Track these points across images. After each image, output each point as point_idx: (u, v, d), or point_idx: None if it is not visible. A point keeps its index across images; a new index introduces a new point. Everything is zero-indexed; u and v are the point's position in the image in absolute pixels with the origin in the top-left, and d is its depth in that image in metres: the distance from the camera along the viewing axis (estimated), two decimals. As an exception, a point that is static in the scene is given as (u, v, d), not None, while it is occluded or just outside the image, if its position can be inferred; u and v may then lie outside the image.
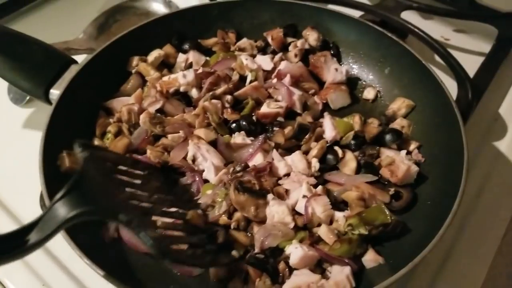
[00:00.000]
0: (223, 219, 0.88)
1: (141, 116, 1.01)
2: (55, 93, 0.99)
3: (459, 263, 0.99)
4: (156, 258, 0.76)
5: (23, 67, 1.00)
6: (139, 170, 0.88)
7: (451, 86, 1.07)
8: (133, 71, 1.14)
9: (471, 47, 1.46)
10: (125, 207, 0.75)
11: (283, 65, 1.12)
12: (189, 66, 1.14)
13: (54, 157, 0.91)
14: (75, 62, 1.05)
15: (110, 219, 0.74)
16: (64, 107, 0.97)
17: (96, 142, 1.01)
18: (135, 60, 1.15)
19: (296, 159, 0.96)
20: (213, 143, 0.99)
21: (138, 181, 0.85)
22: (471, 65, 1.30)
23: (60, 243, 0.97)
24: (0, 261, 0.60)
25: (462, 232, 1.04)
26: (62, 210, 0.64)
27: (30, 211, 1.02)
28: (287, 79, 1.10)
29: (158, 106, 1.04)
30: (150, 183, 0.88)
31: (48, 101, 1.01)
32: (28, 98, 1.28)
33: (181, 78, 1.07)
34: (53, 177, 0.87)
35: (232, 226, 0.88)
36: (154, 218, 0.80)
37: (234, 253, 0.86)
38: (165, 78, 1.08)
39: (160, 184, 0.90)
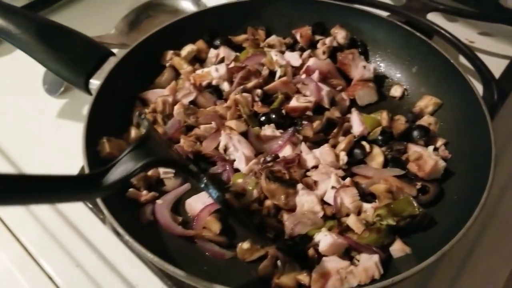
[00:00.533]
0: (254, 206, 0.91)
1: (175, 107, 1.05)
2: (94, 83, 1.03)
3: (482, 260, 1.01)
4: (222, 209, 0.84)
5: (66, 57, 1.04)
6: None
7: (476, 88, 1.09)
8: (167, 64, 1.18)
9: (496, 50, 1.47)
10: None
11: (311, 62, 1.15)
12: (221, 60, 1.17)
13: (95, 143, 0.95)
14: (113, 54, 1.09)
15: (180, 168, 0.79)
16: (103, 96, 1.00)
17: (133, 130, 1.04)
18: (169, 54, 1.18)
19: (324, 152, 0.99)
20: (244, 135, 1.02)
21: None
22: (496, 67, 1.31)
23: (93, 227, 1.04)
24: (76, 196, 0.66)
25: (485, 230, 1.06)
26: (138, 157, 0.68)
27: (66, 197, 1.09)
28: (315, 75, 1.12)
29: (191, 98, 1.08)
30: None
31: (88, 91, 1.05)
32: (62, 89, 1.33)
33: (213, 72, 1.10)
34: (95, 161, 0.91)
35: (263, 214, 0.91)
36: None
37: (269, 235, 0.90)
38: (199, 72, 1.12)
39: None
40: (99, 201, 0.83)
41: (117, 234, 0.99)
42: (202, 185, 0.81)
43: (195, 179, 0.79)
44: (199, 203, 0.92)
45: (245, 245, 0.86)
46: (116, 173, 0.66)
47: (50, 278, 0.98)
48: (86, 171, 0.89)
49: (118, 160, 0.68)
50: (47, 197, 0.60)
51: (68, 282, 0.97)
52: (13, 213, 1.07)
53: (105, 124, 1.00)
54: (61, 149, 1.20)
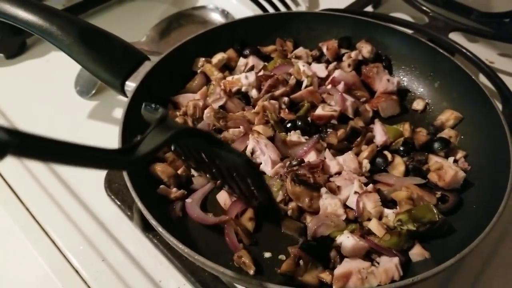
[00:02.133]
0: (280, 207, 0.95)
1: (206, 111, 1.09)
2: (130, 85, 1.08)
3: (498, 272, 1.03)
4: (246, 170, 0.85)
5: (104, 59, 1.09)
6: None
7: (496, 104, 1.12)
8: (199, 71, 1.23)
9: (515, 71, 1.50)
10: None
11: (337, 73, 1.19)
12: (250, 69, 1.22)
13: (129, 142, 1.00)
14: (149, 59, 1.13)
15: (205, 138, 0.80)
16: (138, 98, 1.05)
17: (164, 131, 1.09)
18: (201, 61, 1.24)
19: (347, 159, 1.02)
20: (270, 139, 1.05)
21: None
22: (515, 87, 1.35)
23: (120, 224, 1.08)
24: (109, 165, 0.73)
25: (501, 244, 1.08)
26: (162, 132, 0.71)
27: (94, 195, 1.13)
28: (340, 86, 1.17)
29: (221, 103, 1.12)
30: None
31: (123, 92, 1.10)
32: (93, 91, 1.39)
33: (243, 79, 1.15)
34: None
35: (289, 214, 0.95)
36: None
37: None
38: (229, 78, 1.16)
39: None
40: (134, 195, 0.88)
41: (144, 230, 1.03)
42: (227, 151, 0.82)
43: (220, 146, 0.81)
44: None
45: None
46: (145, 147, 0.69)
47: (76, 271, 1.02)
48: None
49: (144, 136, 0.71)
50: (86, 162, 0.64)
51: (93, 275, 1.00)
52: (43, 208, 1.12)
53: (139, 124, 1.03)
54: (92, 148, 1.25)
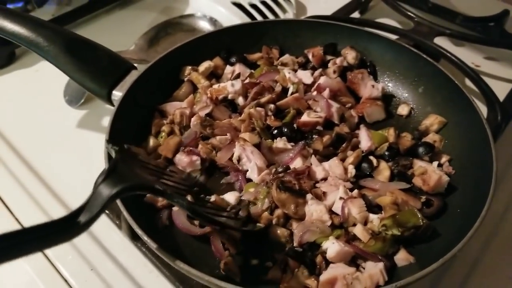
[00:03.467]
0: (266, 214, 0.95)
1: (192, 119, 1.10)
2: (117, 94, 1.09)
3: (485, 275, 1.04)
4: (192, 216, 0.86)
5: (91, 69, 1.10)
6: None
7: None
8: (185, 79, 1.24)
9: (500, 74, 1.52)
10: (159, 183, 0.85)
11: (322, 80, 1.20)
12: (236, 76, 1.23)
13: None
14: (135, 68, 1.14)
15: (147, 191, 0.80)
16: (125, 107, 1.06)
17: (151, 140, 1.10)
18: (188, 69, 1.24)
19: (333, 165, 1.03)
20: (257, 147, 1.06)
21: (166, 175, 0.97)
22: (501, 90, 1.36)
23: (109, 233, 1.08)
24: (57, 240, 0.65)
25: (486, 248, 1.09)
26: (105, 190, 0.71)
27: (83, 203, 1.13)
28: (326, 93, 1.17)
29: (207, 110, 1.13)
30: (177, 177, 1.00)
31: (110, 101, 1.10)
32: (82, 101, 1.39)
33: (229, 87, 1.16)
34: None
35: (274, 222, 0.95)
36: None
37: (259, 225, 0.95)
38: (215, 86, 1.17)
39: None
40: (119, 204, 0.88)
41: (132, 239, 1.04)
42: (171, 200, 0.82)
43: (164, 196, 0.81)
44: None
45: None
46: (92, 208, 0.69)
47: (65, 280, 1.02)
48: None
49: (91, 195, 0.71)
50: (27, 250, 0.61)
51: (82, 285, 1.01)
52: (31, 217, 1.12)
53: (125, 133, 1.05)
54: (81, 158, 1.25)
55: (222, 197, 1.00)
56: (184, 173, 1.05)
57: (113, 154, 0.85)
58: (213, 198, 0.98)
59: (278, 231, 0.94)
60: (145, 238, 0.82)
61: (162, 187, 0.79)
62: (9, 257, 0.59)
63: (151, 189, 0.79)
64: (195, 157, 1.05)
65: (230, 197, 1.00)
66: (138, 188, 0.78)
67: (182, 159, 1.05)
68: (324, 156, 1.07)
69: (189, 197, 0.91)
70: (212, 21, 1.66)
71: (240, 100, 1.17)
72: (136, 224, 0.84)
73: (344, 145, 1.08)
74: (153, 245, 0.82)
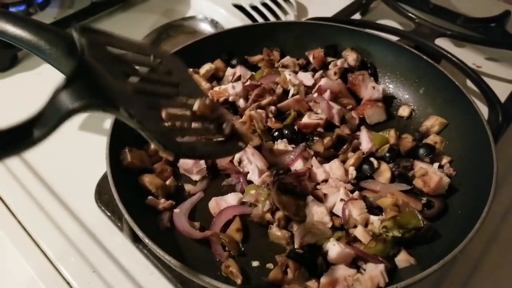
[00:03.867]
0: (267, 216, 0.96)
1: (193, 121, 1.11)
2: (118, 97, 1.09)
3: (486, 277, 1.04)
4: (163, 150, 0.71)
5: (92, 72, 1.10)
6: (149, 55, 0.81)
7: (481, 111, 1.13)
8: (186, 80, 1.24)
9: (502, 75, 1.52)
10: (129, 99, 0.69)
11: (323, 82, 1.20)
12: (237, 79, 1.23)
13: (117, 153, 1.02)
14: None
15: (111, 112, 0.67)
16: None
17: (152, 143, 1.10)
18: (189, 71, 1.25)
19: (334, 167, 1.04)
20: (257, 148, 1.07)
21: (144, 69, 0.80)
22: (502, 91, 1.36)
23: (110, 235, 1.08)
24: (5, 153, 0.60)
25: (487, 249, 1.09)
26: (65, 102, 0.60)
27: (85, 205, 1.13)
28: (327, 94, 1.18)
29: (208, 113, 1.13)
30: (158, 70, 0.81)
31: (112, 104, 1.11)
32: (84, 103, 1.39)
33: (230, 89, 1.16)
34: (117, 169, 0.97)
35: (274, 225, 0.96)
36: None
37: (241, 144, 0.82)
38: (216, 88, 1.18)
39: (172, 69, 0.83)
40: (120, 206, 0.89)
41: (134, 241, 1.04)
42: (139, 129, 0.67)
43: (130, 122, 0.66)
44: (223, 203, 0.99)
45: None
46: (48, 119, 0.60)
47: (67, 282, 1.02)
48: (109, 178, 0.94)
49: (48, 103, 0.61)
50: None
51: (85, 287, 1.00)
52: (33, 220, 1.12)
53: (127, 135, 1.05)
54: (83, 160, 1.25)
55: (205, 101, 0.79)
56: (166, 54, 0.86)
57: (79, 46, 0.69)
58: (196, 105, 0.78)
59: (279, 233, 0.95)
60: (146, 240, 0.83)
61: (128, 111, 0.65)
62: None
63: (116, 111, 0.65)
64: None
65: (233, 198, 1.01)
66: (103, 107, 0.65)
67: (186, 161, 1.06)
68: (325, 158, 1.08)
69: (163, 114, 0.73)
70: (213, 23, 1.66)
71: (241, 102, 1.17)
72: (137, 226, 0.84)
73: (344, 146, 1.08)
74: (154, 248, 0.82)
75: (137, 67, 0.80)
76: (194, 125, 0.79)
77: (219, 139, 0.80)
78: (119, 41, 0.78)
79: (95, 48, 0.70)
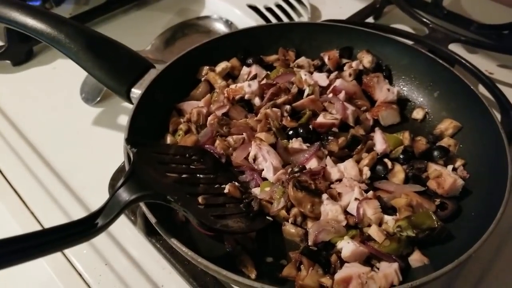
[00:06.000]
0: (282, 213, 0.97)
1: (209, 118, 1.12)
2: (136, 92, 1.10)
3: (497, 279, 1.05)
4: (204, 229, 0.87)
5: (111, 67, 1.12)
6: (184, 154, 1.04)
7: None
8: (203, 79, 1.26)
9: (514, 82, 1.53)
10: (172, 190, 0.88)
11: (338, 82, 1.21)
12: (253, 77, 1.24)
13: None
14: (154, 67, 1.16)
15: (159, 200, 0.83)
16: (143, 105, 1.07)
17: (169, 137, 1.12)
18: (205, 69, 1.26)
19: (348, 166, 1.04)
20: (273, 146, 1.07)
21: (183, 166, 1.00)
22: (514, 98, 1.37)
23: (124, 229, 1.10)
24: (76, 241, 0.70)
25: (500, 250, 1.10)
26: (124, 195, 0.76)
27: (99, 200, 1.13)
28: (341, 95, 1.19)
29: (224, 110, 1.14)
30: (194, 164, 1.02)
31: (129, 99, 1.12)
32: (98, 98, 1.41)
33: (246, 87, 1.17)
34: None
35: (290, 221, 0.97)
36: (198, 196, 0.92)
37: (269, 218, 0.98)
38: (232, 86, 1.18)
39: (205, 164, 1.04)
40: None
41: (147, 235, 1.05)
42: (181, 211, 0.87)
43: (174, 207, 0.85)
44: None
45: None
46: (110, 211, 0.74)
47: (80, 275, 1.03)
48: (127, 169, 0.95)
49: (110, 198, 0.76)
50: (46, 251, 0.66)
51: (97, 279, 1.02)
52: (47, 212, 1.14)
53: (144, 130, 1.06)
54: (96, 154, 1.27)
55: (236, 184, 1.01)
56: (206, 155, 1.07)
57: (131, 156, 0.89)
58: (226, 189, 0.98)
59: (293, 230, 0.96)
60: (163, 232, 0.84)
61: (173, 197, 0.83)
62: (29, 257, 0.63)
63: (164, 199, 0.83)
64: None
65: None
66: (153, 197, 0.83)
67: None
68: (339, 158, 1.08)
69: (200, 199, 0.91)
70: (228, 23, 1.67)
71: (257, 101, 1.18)
72: (154, 218, 0.85)
73: (359, 147, 1.09)
74: (172, 240, 0.83)
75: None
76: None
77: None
78: (160, 147, 1.07)
79: (143, 154, 0.91)
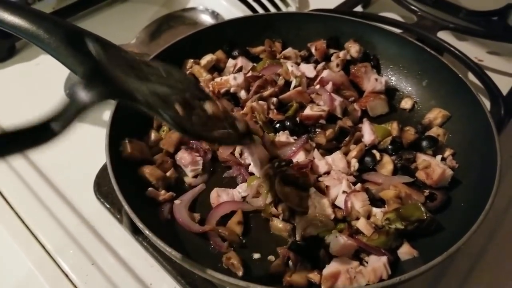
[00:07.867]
0: (269, 208, 0.95)
1: (194, 112, 1.10)
2: (118, 87, 1.08)
3: (486, 272, 1.04)
4: (178, 131, 0.79)
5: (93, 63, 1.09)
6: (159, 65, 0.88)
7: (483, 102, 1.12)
8: (187, 72, 1.23)
9: (504, 69, 1.51)
10: (147, 93, 0.75)
11: (325, 73, 1.19)
12: (238, 70, 1.22)
13: (117, 144, 1.01)
14: (137, 61, 1.14)
15: (127, 100, 0.73)
16: (126, 100, 1.05)
17: (153, 133, 1.10)
18: (190, 63, 1.24)
19: (336, 158, 1.03)
20: (259, 140, 1.06)
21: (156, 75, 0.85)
22: (504, 85, 1.35)
23: (109, 227, 1.08)
24: (29, 146, 0.67)
25: (490, 242, 1.09)
26: (83, 95, 0.67)
27: (85, 200, 1.12)
28: (329, 86, 1.17)
29: (209, 104, 1.12)
30: (170, 77, 0.87)
31: (111, 94, 1.09)
32: (83, 95, 1.38)
33: (232, 80, 1.15)
34: (117, 161, 0.96)
35: (280, 217, 0.95)
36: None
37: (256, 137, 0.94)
38: (217, 79, 1.16)
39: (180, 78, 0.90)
40: (120, 197, 0.88)
41: (134, 233, 1.03)
42: (154, 111, 0.75)
43: (145, 107, 0.73)
44: (224, 195, 0.99)
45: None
46: (67, 113, 0.68)
47: (66, 275, 1.01)
48: (109, 169, 0.93)
49: (68, 101, 0.68)
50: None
51: (83, 279, 1.00)
52: (32, 212, 1.12)
53: (126, 126, 1.04)
54: (82, 151, 1.24)
55: (218, 102, 0.91)
56: (181, 72, 0.97)
57: (94, 51, 0.80)
58: (208, 107, 0.87)
59: (281, 225, 0.94)
60: (146, 232, 0.82)
61: (143, 97, 0.71)
62: None
63: (131, 98, 0.71)
64: (198, 157, 1.06)
65: (235, 193, 1.01)
66: (116, 95, 0.72)
67: (184, 157, 1.05)
68: (327, 150, 1.07)
69: (177, 107, 0.79)
70: (214, 14, 1.64)
71: (243, 94, 1.16)
72: (137, 217, 0.83)
73: (347, 139, 1.07)
74: (155, 239, 0.81)
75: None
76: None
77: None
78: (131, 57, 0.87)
79: (110, 53, 0.79)
